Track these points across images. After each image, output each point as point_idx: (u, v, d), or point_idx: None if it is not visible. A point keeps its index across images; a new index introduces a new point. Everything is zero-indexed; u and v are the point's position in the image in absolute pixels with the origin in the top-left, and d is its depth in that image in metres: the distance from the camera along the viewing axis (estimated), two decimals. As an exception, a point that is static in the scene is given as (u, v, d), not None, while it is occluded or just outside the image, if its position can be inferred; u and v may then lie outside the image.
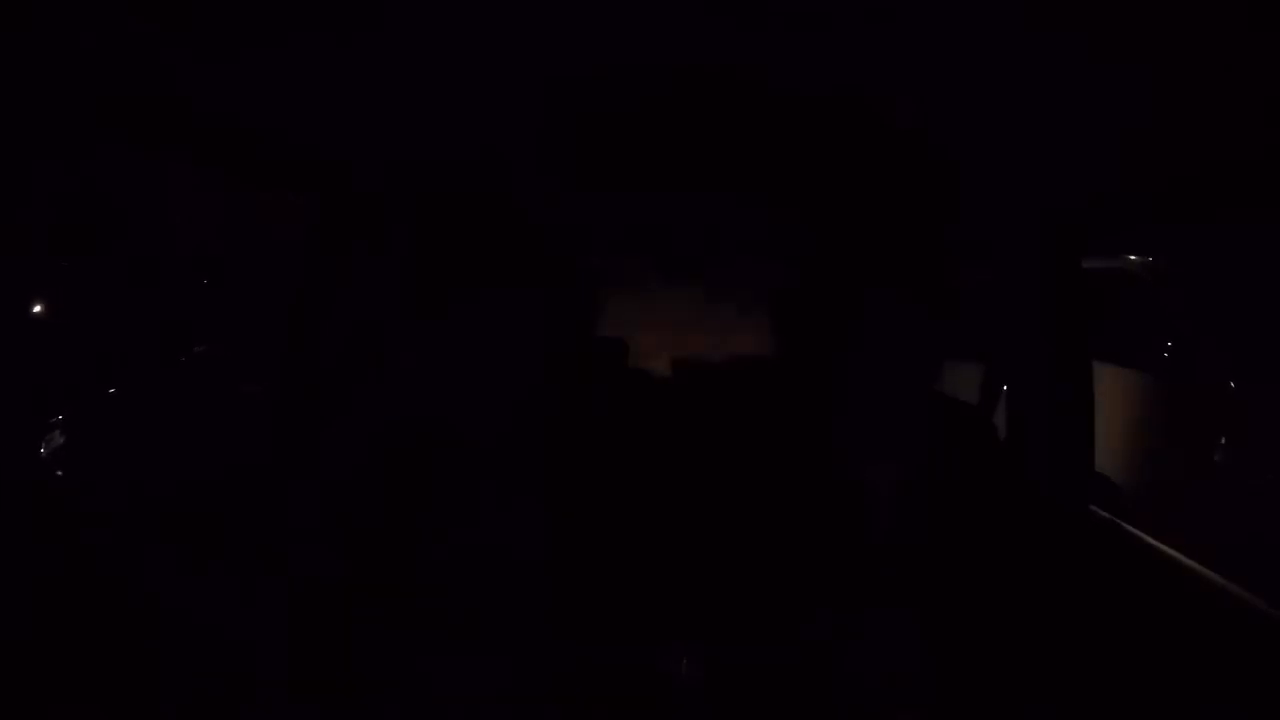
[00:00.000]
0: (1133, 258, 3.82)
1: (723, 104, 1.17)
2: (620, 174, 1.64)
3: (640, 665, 1.31)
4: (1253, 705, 1.17)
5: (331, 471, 1.50)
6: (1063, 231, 1.58)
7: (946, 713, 1.27)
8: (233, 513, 1.52)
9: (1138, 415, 3.69)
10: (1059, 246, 1.60)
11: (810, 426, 1.41)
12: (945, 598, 1.30)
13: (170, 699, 1.27)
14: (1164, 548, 1.48)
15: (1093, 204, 1.48)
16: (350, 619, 1.32)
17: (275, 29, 0.95)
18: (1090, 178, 1.38)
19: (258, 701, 1.29)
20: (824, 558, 1.32)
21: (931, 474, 1.37)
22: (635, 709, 1.30)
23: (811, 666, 1.26)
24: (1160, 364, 3.69)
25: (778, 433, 1.44)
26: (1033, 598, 1.35)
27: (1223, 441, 3.35)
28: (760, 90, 1.10)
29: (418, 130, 1.38)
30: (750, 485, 1.40)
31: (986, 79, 1.01)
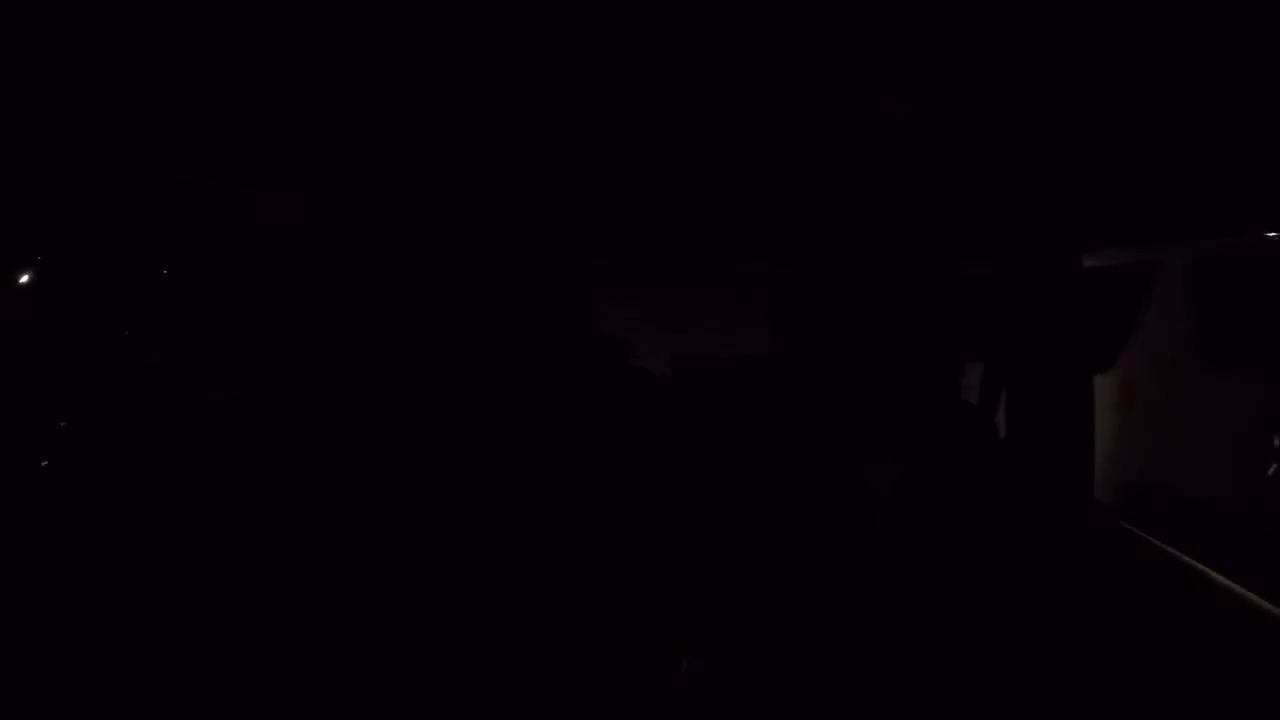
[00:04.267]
0: (1133, 256, 3.82)
1: (723, 103, 1.17)
2: (620, 173, 1.65)
3: (642, 665, 1.31)
4: (1254, 705, 1.17)
5: (326, 470, 1.50)
6: (1063, 231, 1.58)
7: (947, 712, 1.27)
8: (228, 511, 1.52)
9: (1138, 414, 3.70)
10: (1059, 246, 1.60)
11: (811, 427, 1.41)
12: (946, 597, 1.30)
13: (170, 693, 1.27)
14: (1165, 547, 1.49)
15: (1093, 203, 1.48)
16: (348, 618, 1.32)
17: (274, 29, 0.95)
18: (1090, 177, 1.38)
19: (259, 698, 1.29)
20: (825, 558, 1.32)
21: (932, 474, 1.37)
22: (637, 708, 1.30)
23: (812, 666, 1.26)
24: (1160, 362, 3.70)
25: (779, 433, 1.44)
26: (1033, 597, 1.35)
27: (1223, 440, 3.35)
28: (760, 89, 1.10)
29: (418, 130, 1.38)
30: (752, 486, 1.40)
31: (987, 79, 1.01)
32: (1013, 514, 1.47)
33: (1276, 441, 3.13)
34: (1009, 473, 1.59)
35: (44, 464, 1.76)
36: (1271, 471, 3.04)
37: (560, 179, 1.68)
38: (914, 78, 1.03)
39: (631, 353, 2.12)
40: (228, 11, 0.91)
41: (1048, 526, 1.55)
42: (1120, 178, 1.34)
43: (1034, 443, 1.63)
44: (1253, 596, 1.24)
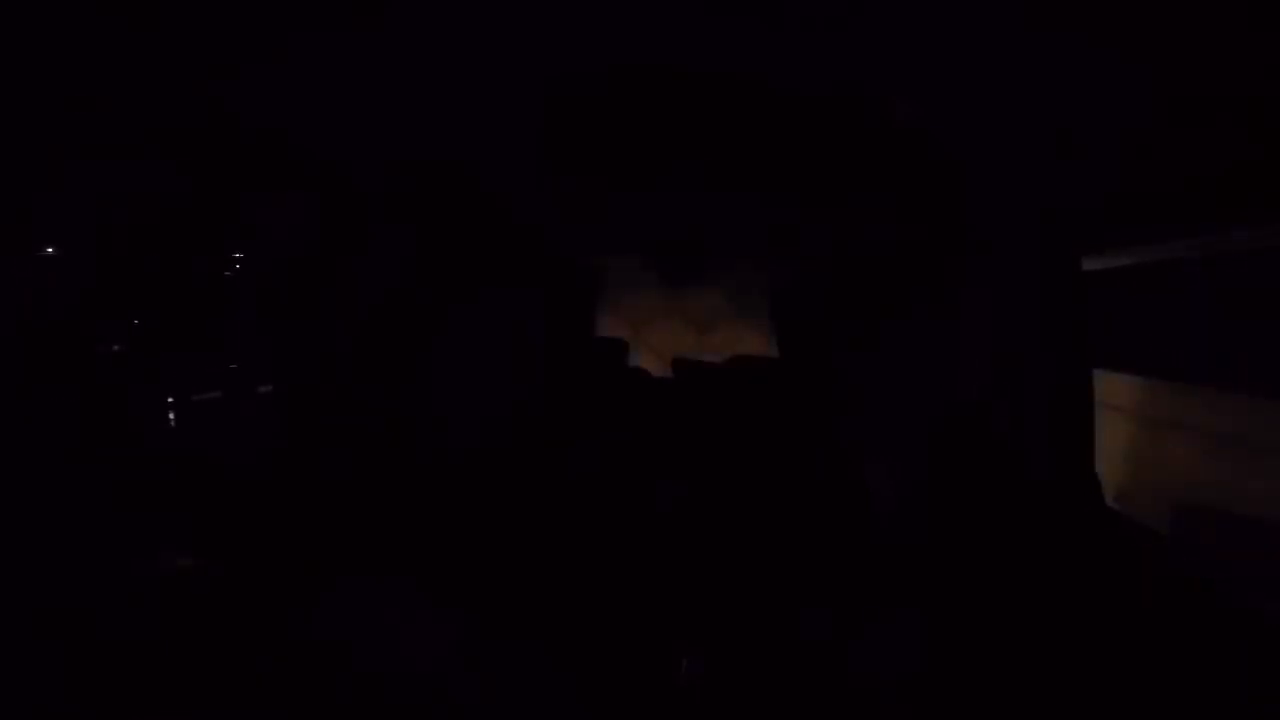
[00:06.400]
0: (1133, 258, 3.82)
1: (724, 104, 1.17)
2: (621, 173, 1.65)
3: (642, 665, 1.31)
4: (1254, 705, 1.17)
5: (333, 471, 1.50)
6: (1063, 231, 1.58)
7: (949, 712, 1.27)
8: (237, 509, 1.52)
9: (1138, 415, 3.69)
10: (1059, 246, 1.60)
11: (812, 426, 1.41)
12: (947, 597, 1.30)
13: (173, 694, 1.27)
14: (1166, 549, 1.48)
15: (1093, 204, 1.48)
16: (348, 618, 1.32)
17: (273, 30, 0.95)
18: (1090, 177, 1.38)
19: (259, 698, 1.29)
20: (826, 558, 1.32)
21: (932, 474, 1.37)
22: (637, 708, 1.30)
23: (813, 666, 1.26)
24: (1160, 364, 3.69)
25: (780, 433, 1.44)
26: (1033, 596, 1.35)
27: (1221, 440, 3.34)
28: (760, 89, 1.11)
29: (417, 130, 1.38)
30: (752, 485, 1.40)
31: (987, 79, 1.01)
32: (1013, 514, 1.47)
33: None
34: (1009, 473, 1.59)
35: (47, 461, 1.76)
36: None
37: (560, 179, 1.68)
38: (914, 78, 1.03)
39: (631, 353, 2.12)
40: (228, 12, 0.91)
41: (1047, 526, 1.55)
42: (1120, 178, 1.34)
43: (1034, 443, 1.63)
44: (1250, 596, 1.24)
